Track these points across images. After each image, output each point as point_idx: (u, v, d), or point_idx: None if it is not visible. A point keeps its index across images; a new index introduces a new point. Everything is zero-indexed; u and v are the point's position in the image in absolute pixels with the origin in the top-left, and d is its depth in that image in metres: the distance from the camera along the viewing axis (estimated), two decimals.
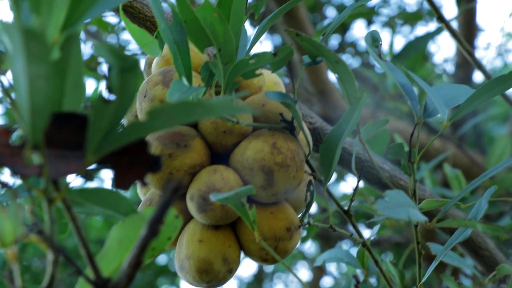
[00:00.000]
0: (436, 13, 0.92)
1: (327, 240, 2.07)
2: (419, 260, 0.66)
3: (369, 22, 2.14)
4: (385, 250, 1.98)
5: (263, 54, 0.58)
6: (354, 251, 0.97)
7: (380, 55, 0.67)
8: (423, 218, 0.54)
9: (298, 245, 0.65)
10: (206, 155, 0.63)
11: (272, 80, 0.70)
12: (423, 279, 0.66)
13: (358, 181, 0.64)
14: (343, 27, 2.51)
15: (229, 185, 0.60)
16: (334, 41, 2.30)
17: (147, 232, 0.38)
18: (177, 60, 0.59)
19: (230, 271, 0.63)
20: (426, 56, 2.29)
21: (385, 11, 2.19)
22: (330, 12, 2.31)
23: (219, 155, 0.64)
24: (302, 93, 1.67)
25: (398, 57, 1.36)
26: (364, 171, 0.83)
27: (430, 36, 1.36)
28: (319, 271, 2.45)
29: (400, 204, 0.55)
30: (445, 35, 2.42)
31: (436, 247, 0.77)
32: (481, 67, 0.94)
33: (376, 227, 0.69)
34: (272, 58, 0.58)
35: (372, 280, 1.20)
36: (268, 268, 3.50)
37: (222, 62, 0.58)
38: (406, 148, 0.63)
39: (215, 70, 0.59)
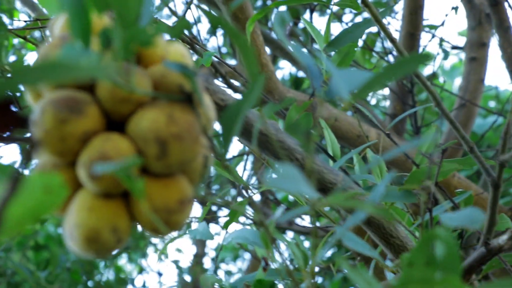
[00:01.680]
0: None
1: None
2: (315, 242, 0.66)
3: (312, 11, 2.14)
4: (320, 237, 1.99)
5: (160, 23, 0.57)
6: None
7: (288, 35, 0.66)
8: (313, 194, 0.53)
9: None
10: (101, 122, 0.62)
11: (179, 53, 0.69)
12: (318, 259, 0.66)
13: (249, 151, 0.64)
14: (296, 15, 2.51)
15: (121, 154, 0.59)
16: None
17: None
18: (73, 21, 0.58)
19: (119, 241, 0.62)
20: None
21: None
22: None
23: (115, 123, 0.63)
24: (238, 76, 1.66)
25: (332, 44, 1.36)
26: (267, 147, 0.82)
27: (364, 24, 1.35)
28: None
29: (290, 177, 0.55)
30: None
31: (340, 230, 0.77)
32: (401, 53, 0.94)
33: (281, 208, 0.69)
34: (168, 28, 0.58)
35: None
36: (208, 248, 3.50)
37: (120, 27, 0.57)
38: (308, 126, 0.63)
39: (113, 36, 0.58)
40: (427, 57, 0.62)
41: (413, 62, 0.62)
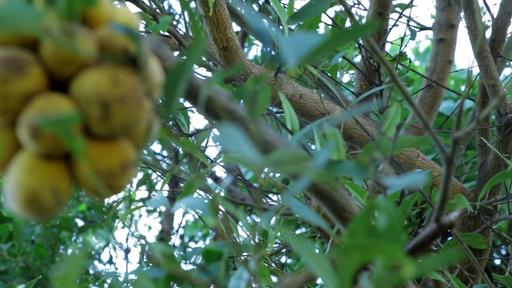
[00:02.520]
0: None
1: None
2: (258, 202, 0.66)
3: None
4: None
5: None
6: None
7: (258, 11, 0.66)
8: (256, 157, 0.53)
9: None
10: (44, 82, 0.61)
11: (127, 16, 0.68)
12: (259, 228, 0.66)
13: (211, 126, 0.63)
14: None
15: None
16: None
17: None
18: None
19: (59, 203, 0.61)
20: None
21: None
22: None
23: (59, 84, 0.62)
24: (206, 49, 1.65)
25: (295, 17, 1.35)
26: (216, 115, 0.82)
27: None
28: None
29: (234, 138, 0.54)
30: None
31: (285, 195, 0.77)
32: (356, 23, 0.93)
33: (229, 176, 0.69)
34: None
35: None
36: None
37: None
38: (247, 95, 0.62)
39: None
40: (375, 25, 0.62)
41: (362, 29, 0.62)
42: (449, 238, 1.57)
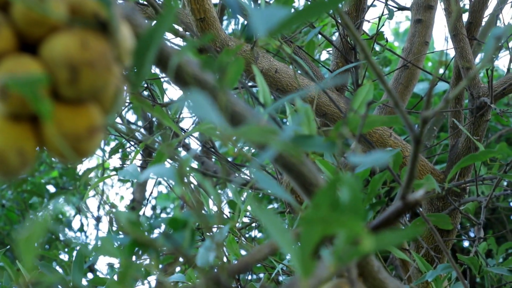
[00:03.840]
0: None
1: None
2: (224, 171, 0.66)
3: None
4: None
5: None
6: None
7: None
8: (222, 123, 0.54)
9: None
10: (13, 43, 0.61)
11: None
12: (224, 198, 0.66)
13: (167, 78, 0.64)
14: None
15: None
16: None
17: None
18: None
19: (24, 164, 0.61)
20: None
21: None
22: None
23: (29, 45, 0.62)
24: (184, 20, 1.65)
25: None
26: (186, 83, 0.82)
27: None
28: None
29: (201, 105, 0.55)
30: None
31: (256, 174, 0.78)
32: None
33: (196, 149, 0.69)
34: None
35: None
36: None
37: None
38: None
39: None
40: None
41: (332, 2, 0.62)
42: (417, 218, 1.58)
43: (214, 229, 0.76)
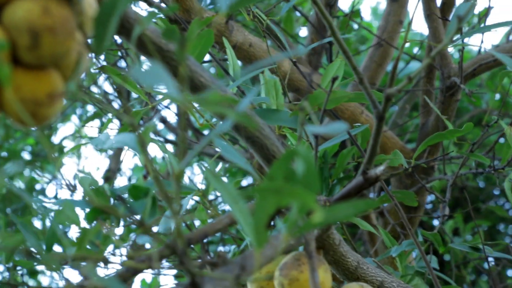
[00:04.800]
0: None
1: None
2: (181, 137, 0.67)
3: None
4: None
5: None
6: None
7: None
8: (177, 94, 0.54)
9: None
10: None
11: None
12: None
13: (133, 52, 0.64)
14: None
15: None
16: None
17: None
18: None
19: None
20: None
21: None
22: None
23: None
24: None
25: None
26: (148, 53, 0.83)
27: None
28: None
29: (156, 74, 0.55)
30: None
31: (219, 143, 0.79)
32: None
33: (155, 119, 0.70)
34: None
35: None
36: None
37: None
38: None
39: None
40: None
41: None
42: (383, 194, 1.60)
43: (178, 199, 0.77)
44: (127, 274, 0.74)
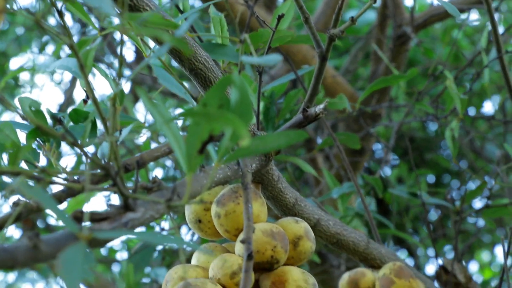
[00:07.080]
0: None
1: None
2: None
3: None
4: None
5: None
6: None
7: None
8: (108, 7, 0.55)
9: None
10: None
11: None
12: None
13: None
14: None
15: None
16: None
17: None
18: None
19: None
20: None
21: None
22: None
23: None
24: None
25: None
26: None
27: None
28: None
29: None
30: None
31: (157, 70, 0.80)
32: None
33: (99, 39, 0.70)
34: None
35: None
36: None
37: None
38: None
39: None
40: None
41: None
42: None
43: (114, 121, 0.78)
44: (62, 195, 0.75)
